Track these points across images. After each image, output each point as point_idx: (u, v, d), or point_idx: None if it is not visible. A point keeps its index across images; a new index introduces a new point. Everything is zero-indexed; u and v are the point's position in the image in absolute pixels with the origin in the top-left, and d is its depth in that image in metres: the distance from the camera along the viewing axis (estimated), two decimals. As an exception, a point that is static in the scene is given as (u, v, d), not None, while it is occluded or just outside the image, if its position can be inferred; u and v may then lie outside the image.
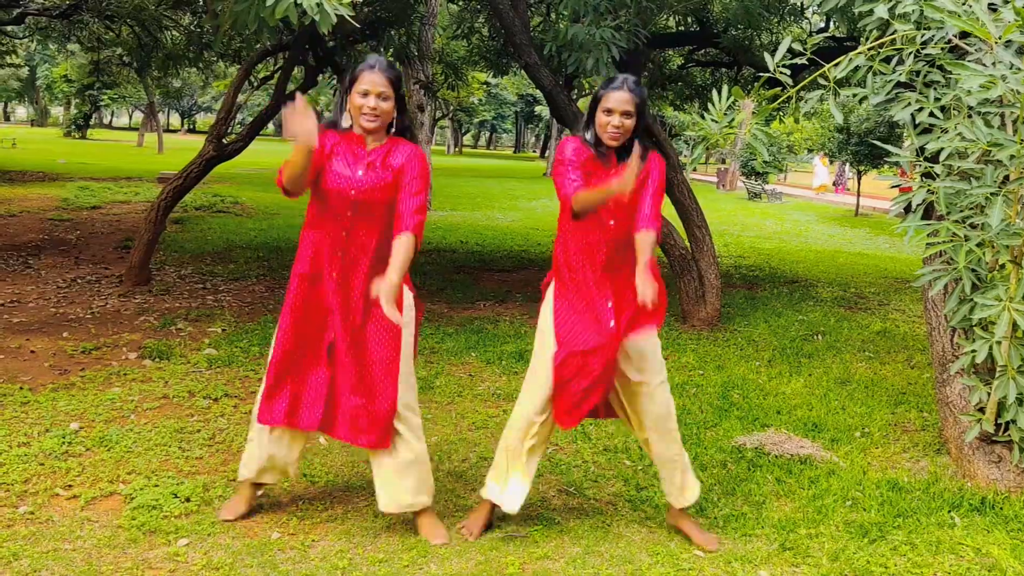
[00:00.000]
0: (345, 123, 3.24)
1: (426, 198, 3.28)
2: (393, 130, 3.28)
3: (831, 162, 26.30)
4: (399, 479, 3.32)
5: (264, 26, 4.42)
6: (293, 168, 3.08)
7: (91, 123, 45.33)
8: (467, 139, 68.91)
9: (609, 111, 3.22)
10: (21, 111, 74.36)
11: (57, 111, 59.10)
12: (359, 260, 3.26)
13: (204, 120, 71.39)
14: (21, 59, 36.67)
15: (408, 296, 3.33)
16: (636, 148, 3.09)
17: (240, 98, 8.18)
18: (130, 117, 71.64)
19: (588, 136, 3.30)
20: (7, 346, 5.65)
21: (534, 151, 67.37)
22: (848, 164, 22.24)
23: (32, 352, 5.57)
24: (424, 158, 3.32)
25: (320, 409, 3.31)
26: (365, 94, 3.14)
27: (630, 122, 3.22)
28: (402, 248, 3.12)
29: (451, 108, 37.67)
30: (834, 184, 30.74)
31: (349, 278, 3.26)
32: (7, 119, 69.15)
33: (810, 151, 28.62)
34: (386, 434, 3.27)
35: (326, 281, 3.27)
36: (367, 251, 3.25)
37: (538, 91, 13.06)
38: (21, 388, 4.80)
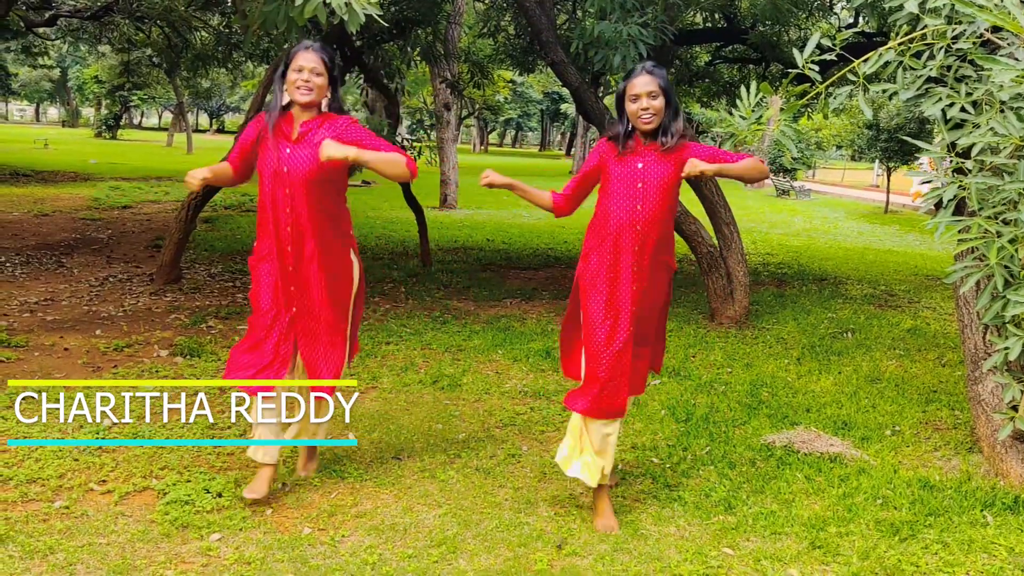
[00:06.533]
0: (284, 101, 3.45)
1: (393, 148, 3.44)
2: (325, 108, 3.48)
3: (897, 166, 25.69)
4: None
5: (293, 26, 4.46)
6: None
7: (121, 124, 45.71)
8: (493, 137, 68.88)
9: (636, 97, 3.32)
10: (53, 112, 75.37)
11: (88, 112, 59.74)
12: (304, 237, 3.44)
13: (233, 120, 71.85)
14: (53, 61, 37.17)
15: (356, 265, 3.63)
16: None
17: (268, 98, 8.23)
18: (159, 117, 72.22)
19: (620, 129, 3.37)
20: (41, 344, 5.74)
21: (560, 149, 67.20)
22: (877, 161, 21.99)
23: (66, 349, 5.65)
24: (358, 123, 3.50)
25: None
26: (300, 70, 3.39)
27: (659, 102, 3.32)
28: (386, 154, 3.34)
29: (477, 106, 37.64)
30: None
31: (300, 256, 3.46)
32: (39, 120, 70.08)
33: (838, 147, 28.22)
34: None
35: (280, 259, 3.47)
36: (311, 230, 3.43)
37: (564, 89, 13.06)
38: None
